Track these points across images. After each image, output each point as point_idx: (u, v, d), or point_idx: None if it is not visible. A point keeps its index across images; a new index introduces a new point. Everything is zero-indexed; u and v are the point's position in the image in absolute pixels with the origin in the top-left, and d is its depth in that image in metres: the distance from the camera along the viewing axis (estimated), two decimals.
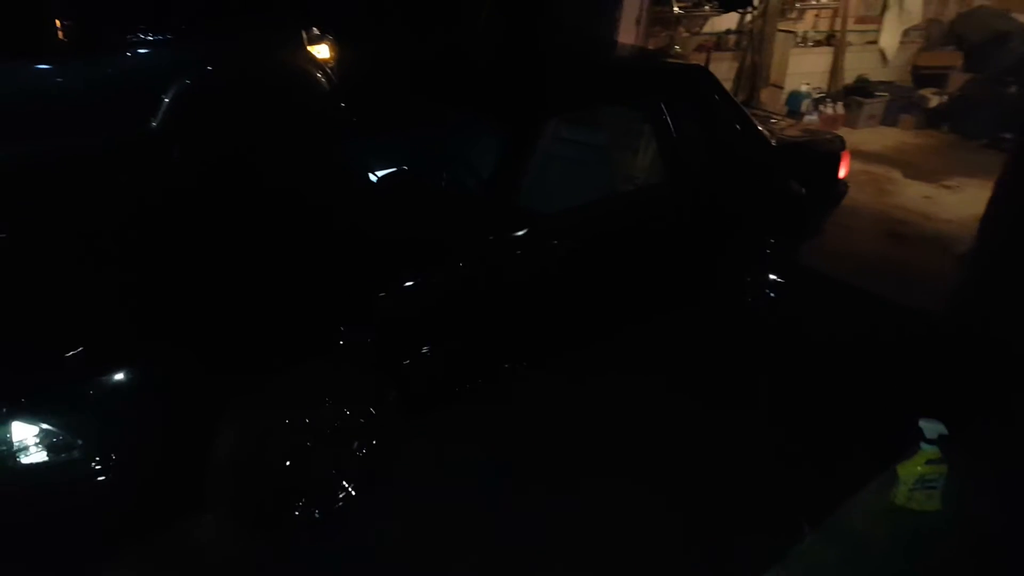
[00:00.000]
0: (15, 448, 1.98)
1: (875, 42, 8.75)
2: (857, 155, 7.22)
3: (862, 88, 8.42)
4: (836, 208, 4.54)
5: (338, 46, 4.43)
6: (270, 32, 4.28)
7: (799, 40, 7.95)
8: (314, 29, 4.26)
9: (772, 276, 4.07)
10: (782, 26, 7.63)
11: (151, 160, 3.77)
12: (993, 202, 4.22)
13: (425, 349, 2.63)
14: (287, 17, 4.32)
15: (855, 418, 3.13)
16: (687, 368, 3.49)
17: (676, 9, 6.46)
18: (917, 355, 3.74)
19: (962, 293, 4.25)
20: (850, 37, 8.34)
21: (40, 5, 3.47)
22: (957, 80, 8.59)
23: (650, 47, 6.50)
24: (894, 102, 8.42)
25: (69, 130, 3.66)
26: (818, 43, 8.24)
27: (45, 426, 2.00)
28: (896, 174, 6.81)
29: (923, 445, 2.41)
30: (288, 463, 2.38)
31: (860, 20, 8.52)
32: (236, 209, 2.86)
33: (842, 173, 4.32)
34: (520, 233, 2.75)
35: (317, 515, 2.48)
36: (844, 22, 8.18)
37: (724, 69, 7.44)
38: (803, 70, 8.01)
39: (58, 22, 3.49)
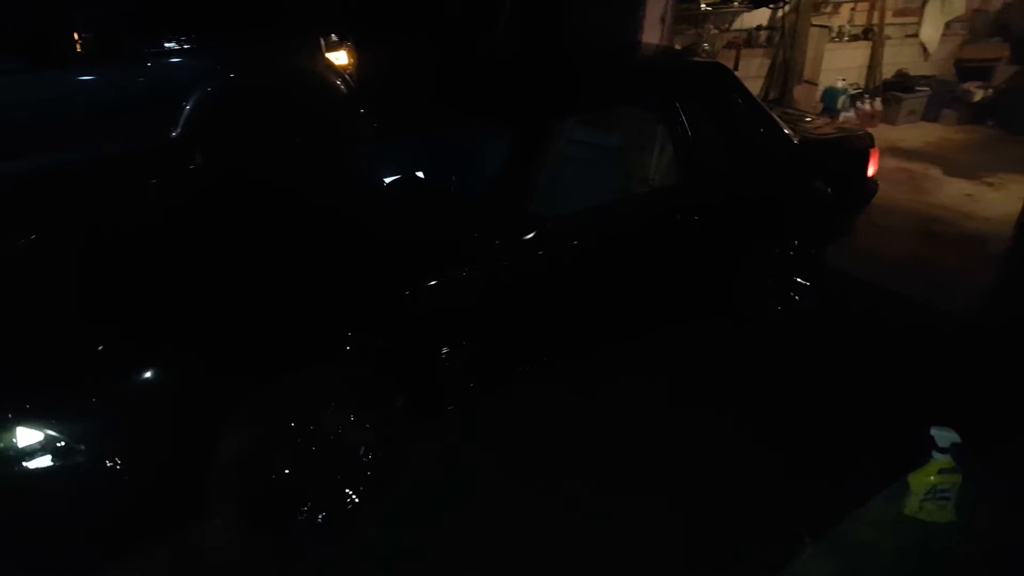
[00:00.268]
0: (19, 453, 2.02)
1: (915, 35, 8.49)
2: (895, 152, 7.04)
3: (901, 83, 8.18)
4: (866, 207, 4.41)
5: (358, 52, 4.46)
6: (288, 39, 4.34)
7: (834, 35, 7.75)
8: (332, 36, 4.31)
9: (796, 278, 3.96)
10: (816, 21, 7.45)
11: (171, 166, 3.84)
12: None
13: (433, 354, 2.63)
14: (306, 24, 4.37)
15: (873, 425, 3.02)
16: (702, 373, 3.41)
17: (703, 6, 6.35)
18: (945, 359, 3.61)
19: (996, 294, 4.08)
20: (889, 31, 8.10)
21: (60, 15, 3.56)
22: (1003, 73, 8.28)
23: (676, 45, 6.41)
24: (935, 97, 8.16)
25: (92, 137, 3.77)
26: (854, 37, 8.02)
27: (49, 432, 2.04)
28: (936, 171, 6.60)
29: (935, 454, 2.32)
30: (292, 468, 2.39)
31: (899, 13, 8.27)
32: (247, 214, 2.89)
33: (871, 171, 4.18)
34: (530, 236, 2.72)
35: (320, 520, 2.48)
36: (882, 15, 7.95)
37: (755, 66, 7.31)
38: (839, 66, 7.81)
39: (76, 34, 3.58)
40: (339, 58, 4.37)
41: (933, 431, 2.35)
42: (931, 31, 8.43)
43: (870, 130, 7.58)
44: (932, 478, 2.28)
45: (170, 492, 2.24)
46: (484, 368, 2.80)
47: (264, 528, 2.42)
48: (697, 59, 4.22)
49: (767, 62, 7.35)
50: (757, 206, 3.51)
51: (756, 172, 3.48)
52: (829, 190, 3.92)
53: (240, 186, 3.19)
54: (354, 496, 2.54)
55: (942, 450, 2.32)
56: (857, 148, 4.10)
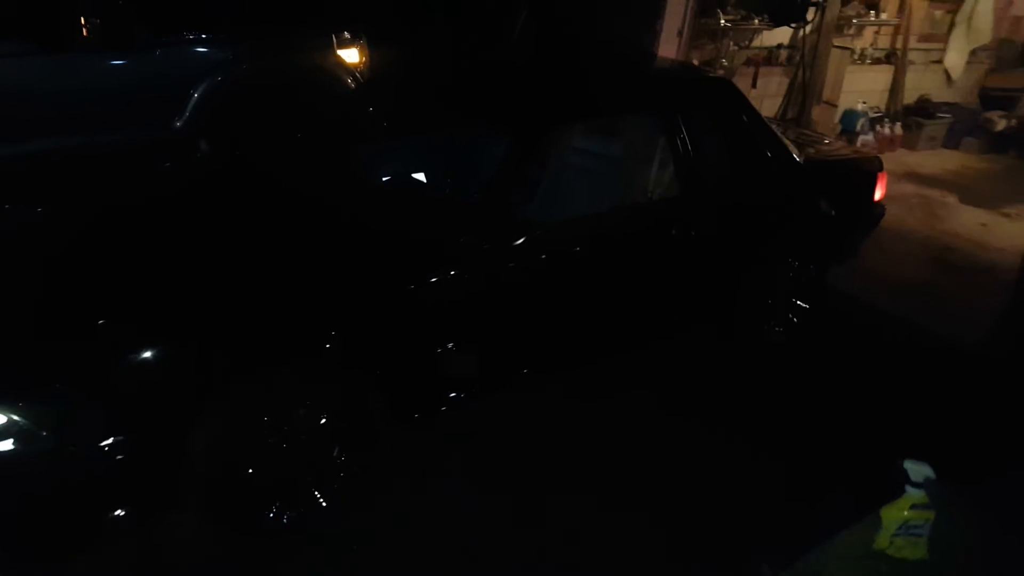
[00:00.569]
0: None
1: (940, 61, 8.39)
2: (912, 178, 6.95)
3: (923, 108, 8.08)
4: (873, 231, 4.35)
5: (370, 50, 4.47)
6: (300, 35, 4.36)
7: (856, 57, 7.67)
8: (345, 33, 4.32)
9: (796, 300, 3.91)
10: (838, 42, 7.37)
11: (176, 155, 3.86)
12: None
13: (414, 357, 2.60)
14: (318, 21, 4.39)
15: (860, 454, 2.95)
16: (693, 391, 3.36)
17: (723, 22, 6.31)
18: (942, 388, 3.54)
19: (1003, 324, 4.00)
20: (912, 55, 8.01)
21: (68, 2, 3.59)
22: None
23: (694, 60, 6.38)
24: (957, 124, 8.05)
25: (95, 123, 3.80)
26: (877, 61, 7.94)
27: (12, 416, 2.01)
28: (951, 199, 6.50)
29: (908, 488, 2.25)
30: (262, 465, 2.37)
31: (924, 38, 8.18)
32: (240, 206, 2.89)
33: (878, 195, 4.13)
34: (519, 242, 2.69)
35: (287, 520, 2.45)
36: (906, 39, 7.86)
37: (774, 85, 7.25)
38: (859, 88, 7.72)
39: (83, 19, 3.60)
40: (351, 56, 4.39)
41: (907, 464, 2.29)
42: (956, 57, 8.32)
43: (889, 155, 7.61)
44: (905, 513, 2.22)
45: (137, 483, 2.21)
46: (466, 374, 2.77)
47: (231, 525, 2.41)
48: (705, 73, 4.18)
49: (786, 81, 7.28)
50: (756, 224, 3.47)
51: (756, 190, 3.44)
52: (833, 212, 3.87)
53: (237, 179, 3.19)
54: (324, 498, 2.52)
55: (916, 484, 2.25)
56: (864, 171, 4.05)
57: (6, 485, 2.07)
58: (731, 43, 6.61)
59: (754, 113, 3.50)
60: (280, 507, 2.44)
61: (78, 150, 3.73)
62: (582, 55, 3.74)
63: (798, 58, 7.18)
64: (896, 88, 8.02)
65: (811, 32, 7.09)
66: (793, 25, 7.02)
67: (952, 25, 8.24)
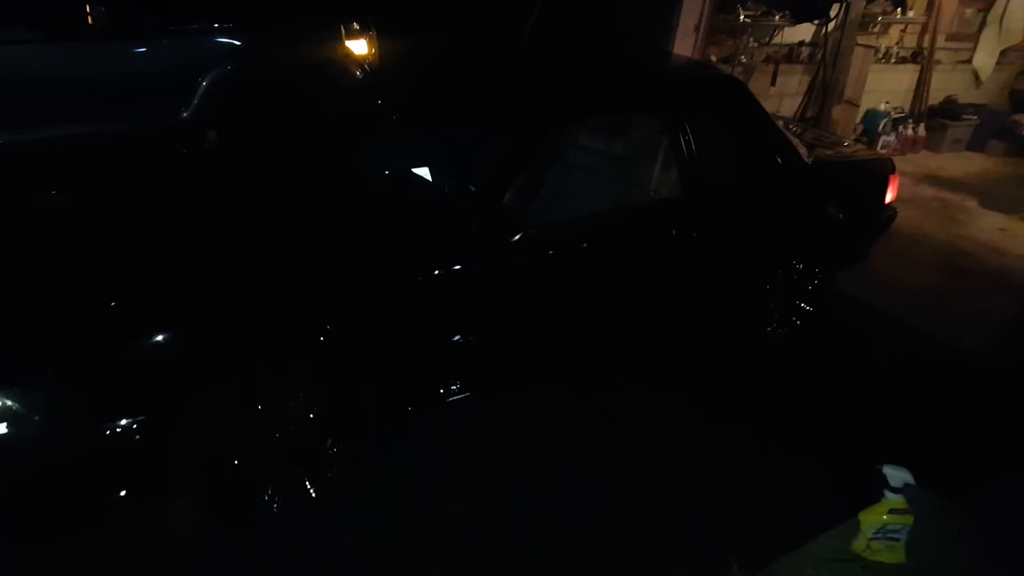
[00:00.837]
0: None
1: (968, 61, 8.22)
2: (933, 180, 6.83)
3: (949, 110, 7.92)
4: (883, 234, 4.29)
5: (380, 42, 4.48)
6: (308, 26, 4.38)
7: (880, 56, 7.53)
8: (354, 24, 4.33)
9: (800, 303, 3.87)
10: (862, 40, 7.24)
11: (183, 144, 3.91)
12: None
13: (407, 351, 2.62)
14: (327, 12, 4.41)
15: (847, 458, 2.92)
16: (687, 390, 3.35)
17: (742, 18, 6.22)
18: (942, 395, 3.49)
19: (1014, 331, 3.93)
20: (940, 55, 7.85)
21: None
22: None
23: (712, 57, 6.31)
24: (983, 126, 7.88)
25: (100, 111, 3.85)
26: (902, 60, 7.79)
27: (5, 400, 2.05)
28: (972, 203, 6.38)
29: (887, 493, 2.24)
30: (255, 453, 2.40)
31: (952, 37, 8.01)
32: (238, 198, 2.92)
33: (889, 198, 4.06)
34: (514, 238, 2.68)
35: (278, 509, 2.48)
36: (933, 39, 7.70)
37: (794, 83, 7.14)
38: (883, 88, 7.59)
39: (88, 7, 3.65)
40: (359, 47, 4.40)
41: (886, 469, 2.28)
42: (985, 58, 8.15)
43: (911, 156, 7.48)
44: (883, 517, 2.21)
45: (129, 469, 2.24)
46: (462, 371, 2.79)
47: (222, 513, 2.44)
48: (713, 71, 4.13)
49: (807, 79, 7.17)
50: (759, 226, 3.43)
51: (761, 191, 3.40)
52: (840, 215, 3.82)
53: (242, 169, 3.22)
54: (314, 489, 2.55)
55: (894, 489, 2.24)
56: (875, 173, 3.99)
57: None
58: (750, 40, 6.52)
59: (762, 112, 3.46)
60: (271, 496, 2.47)
61: (83, 138, 3.79)
62: (587, 52, 3.71)
63: (820, 56, 7.06)
64: (921, 88, 7.87)
65: (834, 29, 6.98)
66: (815, 22, 6.91)
67: (983, 24, 8.06)
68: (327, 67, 4.17)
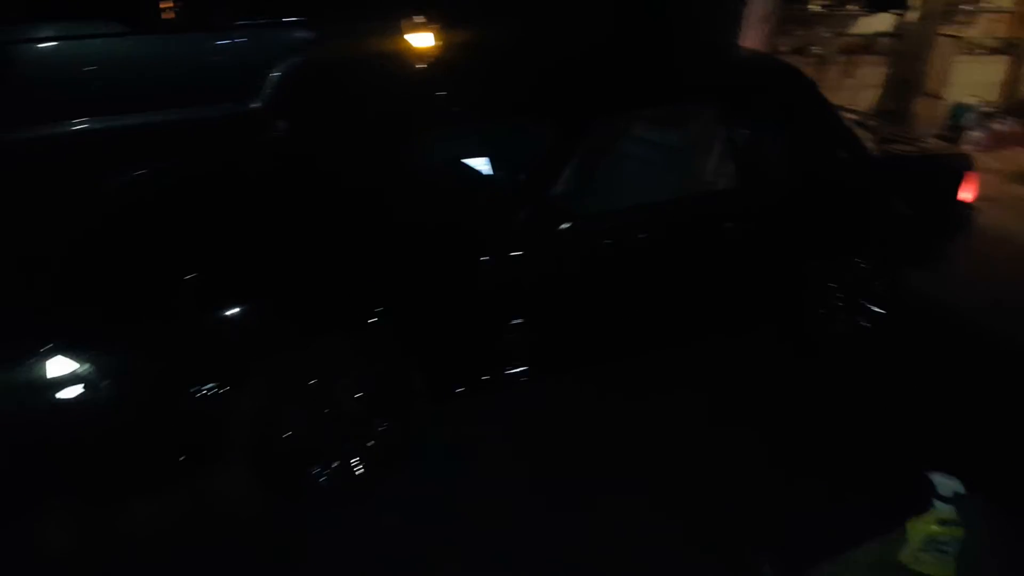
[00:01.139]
0: (50, 382, 2.21)
1: None
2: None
3: None
4: (961, 234, 4.08)
5: (444, 35, 4.54)
6: (372, 19, 4.49)
7: (966, 47, 7.17)
8: (418, 17, 4.41)
9: (865, 303, 3.73)
10: (945, 30, 6.91)
11: (255, 132, 4.07)
12: None
13: (457, 336, 2.68)
14: (391, 5, 4.51)
15: (897, 462, 2.82)
16: (740, 390, 3.27)
17: (815, 7, 6.03)
18: (1011, 400, 3.31)
19: None
20: None
21: None
22: None
23: (782, 47, 6.14)
24: None
25: (174, 100, 4.06)
26: (993, 51, 7.40)
27: (80, 365, 2.22)
28: None
29: (936, 503, 2.14)
30: (304, 427, 2.50)
31: None
32: (303, 184, 3.02)
33: (966, 195, 3.87)
34: (563, 227, 2.69)
35: (324, 484, 2.57)
36: None
37: (871, 75, 6.88)
38: (970, 80, 7.22)
39: (161, 2, 3.86)
40: (422, 40, 4.47)
41: (934, 477, 2.17)
42: None
43: (1002, 153, 7.09)
44: (932, 527, 2.11)
45: (189, 434, 2.39)
46: (511, 357, 2.82)
47: (272, 482, 2.54)
48: (773, 61, 4.01)
49: (885, 71, 6.89)
50: (820, 220, 3.33)
51: (822, 184, 3.30)
52: (910, 212, 3.66)
53: (309, 156, 3.34)
54: (361, 466, 2.62)
55: (943, 499, 2.14)
56: (949, 169, 3.81)
57: (68, 429, 2.28)
58: (824, 30, 6.32)
59: (824, 104, 3.36)
60: (319, 470, 2.57)
61: (159, 125, 4.00)
62: (645, 42, 3.68)
63: (900, 47, 6.78)
64: (1013, 80, 7.45)
65: (916, 19, 6.68)
66: (894, 11, 6.64)
67: None
68: (390, 60, 4.26)
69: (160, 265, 2.51)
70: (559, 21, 5.57)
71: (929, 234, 3.89)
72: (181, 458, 2.42)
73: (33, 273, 2.64)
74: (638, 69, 3.17)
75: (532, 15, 5.37)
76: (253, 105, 4.24)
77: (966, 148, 6.25)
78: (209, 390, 2.32)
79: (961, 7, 7.02)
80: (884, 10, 6.52)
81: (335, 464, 2.58)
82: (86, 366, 2.23)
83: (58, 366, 2.22)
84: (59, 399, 2.22)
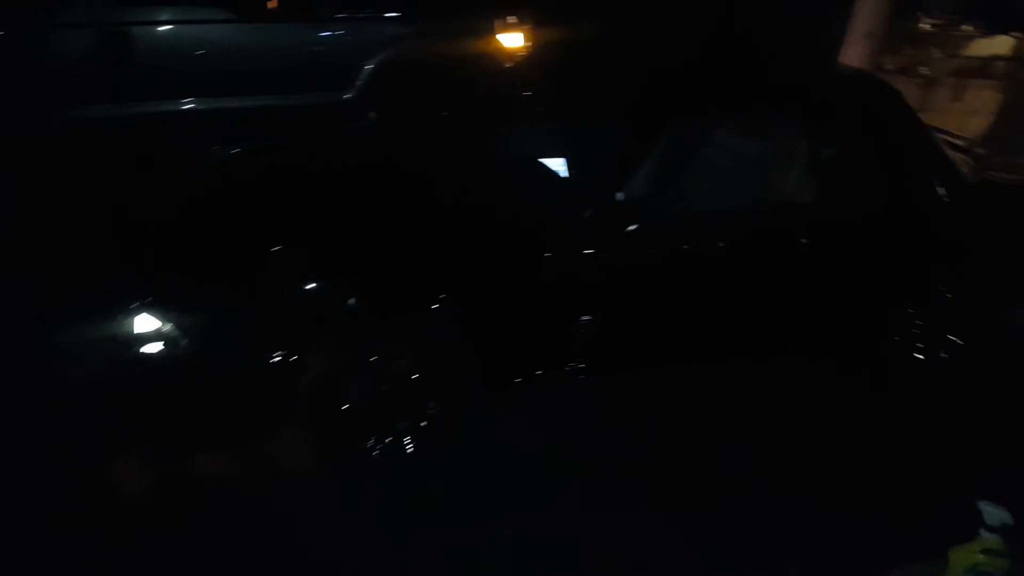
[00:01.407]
0: (136, 337, 2.39)
1: None
2: None
3: None
4: None
5: (535, 35, 4.61)
6: (467, 17, 4.60)
7: None
8: (511, 18, 4.49)
9: (948, 335, 3.55)
10: None
11: (345, 122, 4.25)
12: None
13: (514, 331, 2.75)
14: (485, 4, 4.62)
15: (941, 489, 2.71)
16: (796, 409, 3.18)
17: (924, 25, 5.77)
18: None
19: None
20: None
21: None
22: None
23: (887, 65, 5.90)
24: None
25: (272, 88, 4.30)
26: None
27: (164, 323, 2.40)
28: None
29: (983, 532, 2.04)
30: (363, 400, 2.61)
31: None
32: (385, 172, 3.14)
33: None
34: (630, 229, 2.71)
35: (376, 456, 2.68)
36: None
37: (983, 100, 6.51)
38: None
39: None
40: (513, 40, 4.55)
41: (983, 506, 2.07)
42: None
43: None
44: (977, 556, 2.01)
45: (256, 398, 2.54)
46: (569, 353, 2.85)
47: (330, 449, 2.67)
48: (868, 77, 3.87)
49: (999, 97, 6.51)
50: (903, 244, 3.20)
51: (908, 207, 3.17)
52: (1008, 244, 3.47)
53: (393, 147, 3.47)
54: (412, 444, 2.71)
55: (991, 528, 2.04)
56: None
57: (150, 382, 2.46)
58: (935, 50, 6.03)
59: (918, 125, 3.24)
60: (372, 443, 2.67)
61: (258, 109, 4.25)
62: (735, 50, 3.63)
63: (1018, 72, 6.40)
64: None
65: None
66: (1015, 34, 6.27)
67: None
68: (478, 58, 4.37)
69: (246, 238, 2.68)
70: (653, 23, 5.56)
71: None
72: (248, 419, 2.58)
73: (130, 237, 2.87)
74: (722, 75, 3.14)
75: (631, 17, 5.39)
76: (346, 96, 4.43)
77: None
78: (279, 357, 2.47)
79: None
80: (1005, 32, 6.15)
81: (388, 440, 2.67)
82: (169, 325, 2.40)
83: (144, 323, 2.40)
84: (143, 353, 2.41)
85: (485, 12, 4.60)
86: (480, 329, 2.68)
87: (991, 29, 6.06)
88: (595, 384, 2.99)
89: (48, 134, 4.03)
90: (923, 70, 6.01)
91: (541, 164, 3.21)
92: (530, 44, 4.40)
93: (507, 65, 4.14)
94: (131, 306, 2.41)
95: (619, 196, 2.72)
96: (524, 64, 4.11)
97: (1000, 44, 6.42)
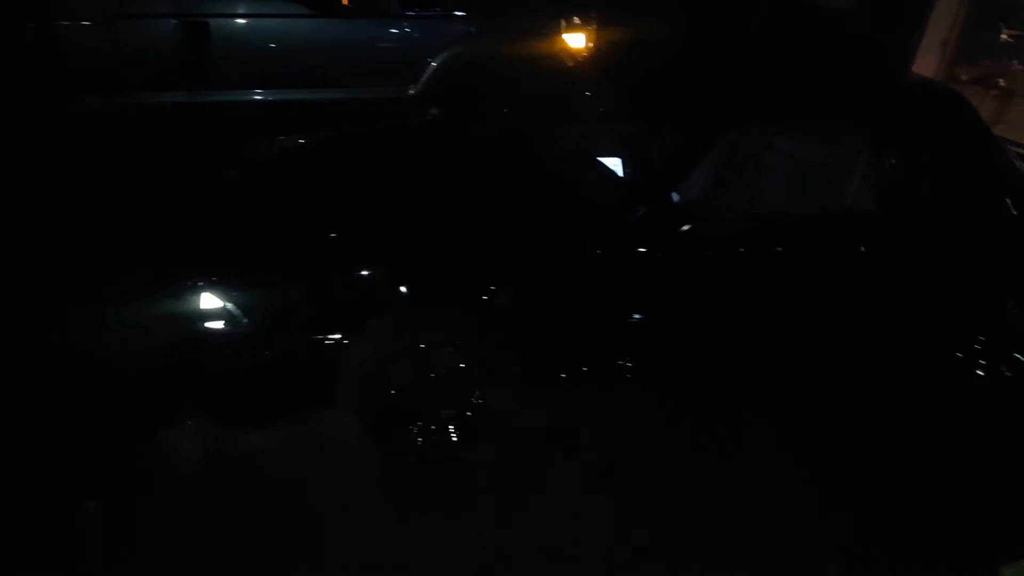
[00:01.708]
0: (199, 314, 2.51)
1: None
2: None
3: None
4: None
5: (598, 36, 4.63)
6: (531, 17, 4.65)
7: None
8: (575, 18, 4.52)
9: (1012, 351, 3.43)
10: None
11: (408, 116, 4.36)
12: None
13: (562, 326, 2.78)
14: (551, 4, 4.66)
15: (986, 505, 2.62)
16: (843, 426, 3.10)
17: (1004, 36, 5.56)
18: None
19: None
20: None
21: None
22: None
23: (962, 76, 5.71)
24: None
25: (343, 80, 4.43)
26: None
27: (226, 302, 2.52)
28: None
29: None
30: (410, 385, 2.67)
31: None
32: (445, 166, 3.21)
33: None
34: (683, 230, 2.71)
35: (421, 442, 2.74)
36: None
37: None
38: None
39: None
40: (576, 40, 4.59)
41: None
42: None
43: None
44: None
45: (308, 377, 2.62)
46: (610, 348, 2.86)
47: (376, 433, 2.75)
48: (936, 87, 3.75)
49: None
50: (967, 258, 3.11)
51: (974, 220, 3.08)
52: None
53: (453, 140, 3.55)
54: (456, 433, 2.76)
55: None
56: None
57: (210, 358, 2.58)
58: (1015, 62, 5.80)
59: (988, 137, 3.14)
60: (418, 430, 2.74)
61: (326, 101, 4.39)
62: (799, 55, 3.57)
63: None
64: None
65: None
66: None
67: None
68: (541, 58, 4.42)
69: (305, 222, 2.78)
70: (722, 25, 5.51)
71: None
72: (300, 397, 2.68)
73: (196, 219, 3.00)
74: (783, 79, 3.11)
75: (701, 19, 5.36)
76: (411, 91, 4.54)
77: None
78: (331, 339, 2.55)
79: None
80: None
81: (432, 427, 2.73)
82: (230, 304, 2.51)
83: (206, 301, 2.52)
84: (204, 329, 2.53)
85: (549, 12, 4.65)
86: (528, 323, 2.72)
87: None
88: (642, 383, 2.98)
89: (127, 118, 4.26)
90: (1000, 82, 5.79)
91: (597, 162, 3.24)
92: (592, 45, 4.44)
93: (569, 65, 4.17)
94: (194, 285, 2.53)
95: (674, 196, 2.72)
96: (585, 64, 4.13)
97: None
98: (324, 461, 2.73)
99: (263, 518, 2.44)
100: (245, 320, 2.52)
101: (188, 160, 3.74)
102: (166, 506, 2.46)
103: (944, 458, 2.97)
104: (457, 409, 2.75)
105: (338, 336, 2.55)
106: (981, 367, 3.37)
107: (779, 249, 2.89)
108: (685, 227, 2.71)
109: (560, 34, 4.53)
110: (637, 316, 2.80)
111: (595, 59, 4.23)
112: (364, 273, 2.63)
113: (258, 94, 4.50)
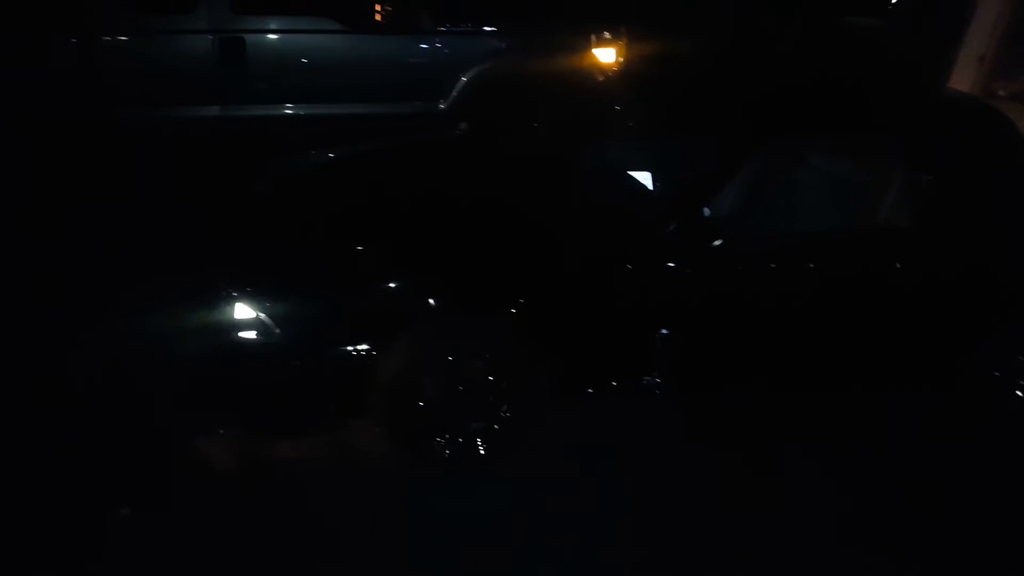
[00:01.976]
0: (232, 324, 2.55)
1: None
2: None
3: None
4: None
5: (628, 50, 4.65)
6: (562, 32, 4.69)
7: None
8: (605, 32, 4.55)
9: None
10: None
11: (440, 129, 4.42)
12: None
13: (590, 341, 2.77)
14: (582, 19, 4.68)
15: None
16: (869, 450, 3.04)
17: None
18: None
19: None
20: None
21: None
22: None
23: (999, 92, 5.61)
24: None
25: (374, 95, 4.50)
26: None
27: (259, 313, 2.55)
28: None
29: None
30: (438, 398, 2.68)
31: None
32: (473, 179, 3.24)
33: None
34: (714, 244, 2.69)
35: (448, 455, 2.74)
36: None
37: None
38: None
39: (378, 6, 4.31)
40: (607, 55, 4.61)
41: None
42: None
43: None
44: None
45: (338, 388, 2.64)
46: (636, 364, 2.84)
47: (403, 444, 2.76)
48: (976, 103, 3.70)
49: None
50: (1000, 279, 3.05)
51: (1011, 240, 3.02)
52: None
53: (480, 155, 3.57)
54: (483, 446, 2.76)
55: None
56: None
57: (245, 367, 2.61)
58: None
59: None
60: (446, 441, 2.74)
61: (358, 116, 4.47)
62: (833, 69, 3.56)
63: None
64: None
65: None
66: None
67: None
68: (571, 73, 4.45)
69: (335, 235, 2.81)
70: (753, 41, 5.50)
71: None
72: (330, 408, 2.70)
73: (229, 230, 3.05)
74: (819, 96, 3.09)
75: (735, 33, 5.36)
76: (441, 106, 4.59)
77: None
78: (361, 351, 2.57)
79: None
80: None
81: (460, 439, 2.74)
82: (263, 315, 2.55)
83: (240, 312, 2.56)
84: (237, 339, 2.56)
85: (579, 28, 4.68)
86: (557, 336, 2.72)
87: None
88: (669, 400, 2.96)
89: (165, 132, 4.36)
90: None
91: (627, 177, 3.24)
92: (622, 60, 4.45)
93: (599, 80, 4.19)
94: (228, 296, 2.57)
95: (706, 211, 2.71)
96: (615, 79, 4.14)
97: None
98: (352, 471, 2.74)
99: (291, 527, 2.45)
100: (278, 331, 2.56)
101: (222, 172, 3.82)
102: (196, 513, 2.48)
103: (983, 479, 2.90)
104: (485, 422, 2.75)
105: (367, 347, 2.56)
106: (1020, 387, 3.30)
107: (811, 266, 2.86)
108: (716, 243, 2.70)
109: (590, 49, 4.55)
110: (667, 331, 2.78)
111: (625, 74, 4.24)
112: (394, 285, 2.66)
113: (290, 108, 4.59)
